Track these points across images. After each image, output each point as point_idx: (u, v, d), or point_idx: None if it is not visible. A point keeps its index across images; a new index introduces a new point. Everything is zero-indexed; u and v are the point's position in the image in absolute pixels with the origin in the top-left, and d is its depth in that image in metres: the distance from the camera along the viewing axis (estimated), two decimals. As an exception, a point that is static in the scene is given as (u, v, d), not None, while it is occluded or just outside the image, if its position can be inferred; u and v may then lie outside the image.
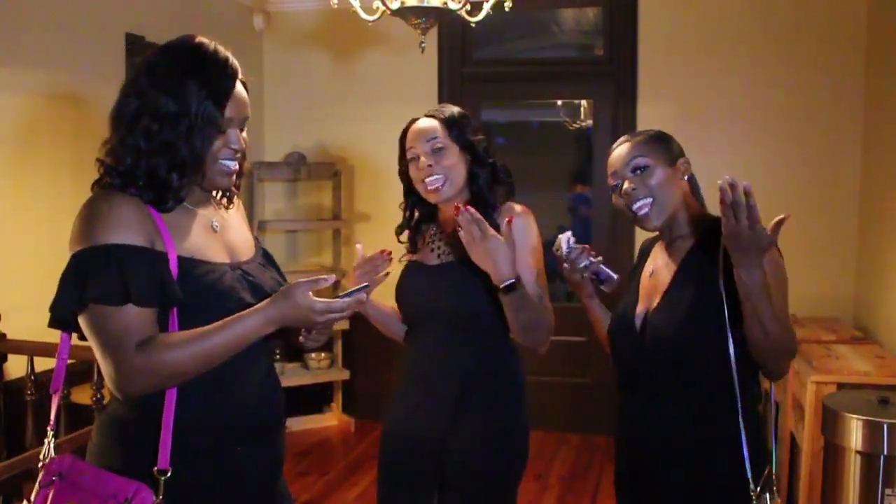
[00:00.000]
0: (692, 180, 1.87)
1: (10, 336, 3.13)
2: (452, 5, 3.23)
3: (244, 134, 1.56)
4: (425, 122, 2.08)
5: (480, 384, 2.02)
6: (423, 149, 2.04)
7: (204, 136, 1.47)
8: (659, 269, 1.87)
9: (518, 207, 2.05)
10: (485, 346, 2.03)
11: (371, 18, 3.35)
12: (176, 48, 1.53)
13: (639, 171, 1.80)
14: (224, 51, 1.54)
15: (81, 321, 1.44)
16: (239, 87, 1.54)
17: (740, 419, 1.69)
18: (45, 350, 3.04)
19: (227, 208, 1.66)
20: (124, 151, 1.47)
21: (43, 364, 3.11)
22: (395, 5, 3.20)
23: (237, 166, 1.56)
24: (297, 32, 5.06)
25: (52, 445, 1.58)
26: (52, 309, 1.44)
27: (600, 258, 1.97)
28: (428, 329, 2.07)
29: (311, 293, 1.47)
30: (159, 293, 1.43)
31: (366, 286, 1.60)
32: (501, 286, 1.86)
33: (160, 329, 1.45)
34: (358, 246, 1.67)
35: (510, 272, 1.85)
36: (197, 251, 1.52)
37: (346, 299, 1.50)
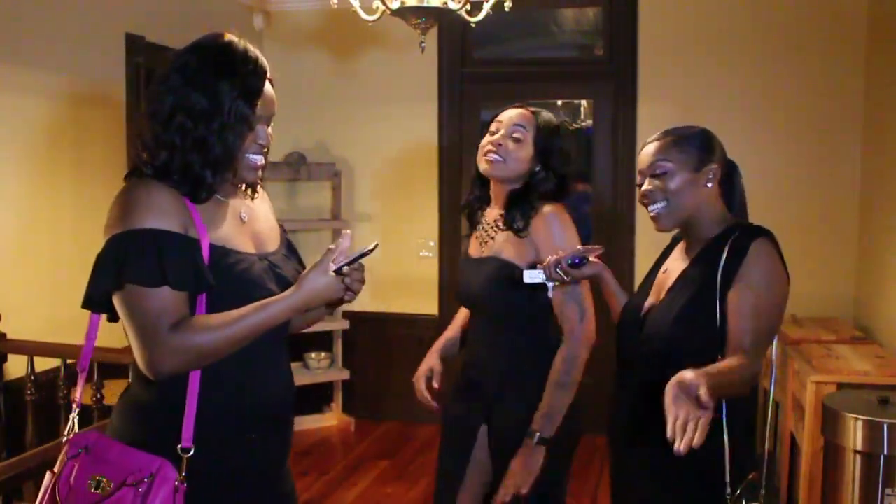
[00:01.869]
0: (725, 184, 1.88)
1: (10, 336, 3.13)
2: (452, 5, 3.23)
3: (270, 129, 1.62)
4: (519, 111, 2.19)
5: (515, 384, 2.12)
6: (506, 129, 2.15)
7: (236, 133, 1.52)
8: (672, 266, 1.90)
9: (551, 207, 2.13)
10: (519, 346, 2.14)
11: (371, 18, 3.35)
12: (208, 47, 1.56)
13: (659, 174, 1.81)
14: (254, 49, 1.58)
15: (117, 302, 1.47)
16: (267, 85, 1.59)
17: (724, 423, 1.68)
18: (45, 350, 3.04)
19: (252, 198, 1.71)
20: (159, 147, 1.51)
21: (43, 364, 3.11)
22: (395, 5, 3.20)
23: (263, 161, 1.61)
24: (297, 32, 5.06)
25: (76, 421, 1.64)
26: (89, 288, 1.48)
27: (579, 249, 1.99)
28: (474, 321, 2.28)
29: (326, 270, 1.54)
30: (193, 278, 1.47)
31: (376, 245, 1.61)
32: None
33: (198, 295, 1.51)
34: (346, 233, 1.68)
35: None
36: (227, 240, 1.57)
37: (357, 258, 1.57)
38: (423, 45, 3.37)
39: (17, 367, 3.16)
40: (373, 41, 4.79)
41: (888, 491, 2.47)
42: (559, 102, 5.14)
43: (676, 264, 1.89)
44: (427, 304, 4.81)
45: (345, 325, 4.78)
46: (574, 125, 5.14)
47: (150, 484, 1.45)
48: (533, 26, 5.04)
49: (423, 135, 4.84)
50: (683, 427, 1.33)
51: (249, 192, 1.72)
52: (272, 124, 1.62)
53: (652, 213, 1.83)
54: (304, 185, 5.12)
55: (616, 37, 4.64)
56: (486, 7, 3.38)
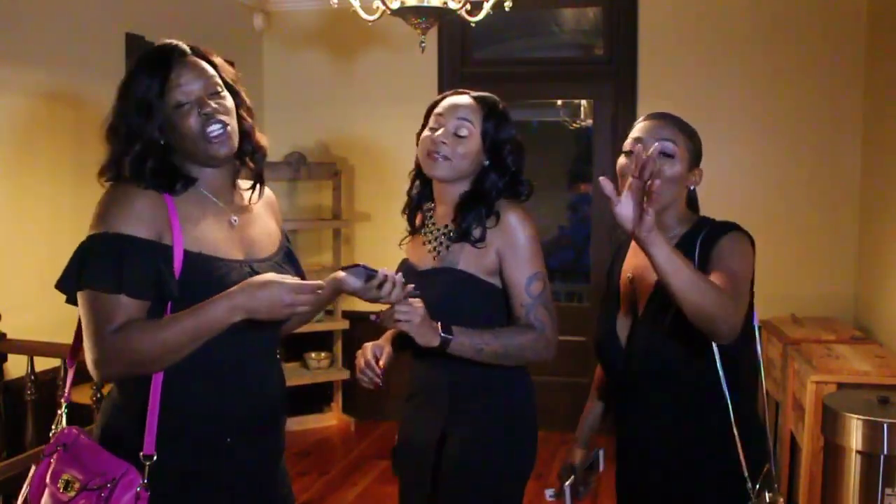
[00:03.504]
0: (692, 192, 1.83)
1: (10, 336, 3.13)
2: (452, 5, 3.23)
3: (225, 101, 1.60)
4: (464, 100, 1.96)
5: (471, 398, 1.93)
6: (449, 125, 1.92)
7: (162, 116, 1.55)
8: (640, 271, 1.81)
9: (510, 209, 1.91)
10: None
11: (371, 18, 3.35)
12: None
13: (662, 155, 1.73)
14: (166, 41, 1.61)
15: (78, 300, 1.52)
16: (181, 61, 1.58)
17: (731, 416, 1.68)
18: (45, 350, 3.04)
19: (251, 201, 1.71)
20: (120, 157, 1.57)
21: (43, 364, 3.11)
22: (395, 5, 3.20)
23: (221, 129, 1.57)
24: (297, 32, 5.06)
25: (64, 416, 1.67)
26: (57, 286, 1.53)
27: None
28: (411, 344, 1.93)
29: (279, 283, 1.49)
30: (153, 287, 1.49)
31: (363, 268, 1.63)
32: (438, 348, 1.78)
33: (164, 302, 1.52)
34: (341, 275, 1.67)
35: (435, 336, 1.77)
36: (207, 246, 1.56)
37: (317, 282, 1.54)
38: (423, 45, 3.37)
39: (17, 367, 3.16)
40: (373, 41, 4.79)
41: (888, 491, 2.47)
42: (559, 102, 5.14)
43: (644, 268, 1.77)
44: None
45: (345, 325, 4.78)
46: (574, 125, 5.15)
47: (111, 489, 1.46)
48: (533, 26, 5.04)
49: (423, 135, 4.83)
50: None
51: (251, 193, 1.72)
52: (226, 95, 1.61)
53: None
54: (304, 185, 5.12)
55: (616, 37, 4.63)
56: (486, 7, 3.38)
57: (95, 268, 1.47)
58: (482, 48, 4.96)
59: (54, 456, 1.56)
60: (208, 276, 1.53)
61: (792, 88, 4.33)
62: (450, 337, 1.79)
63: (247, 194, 1.73)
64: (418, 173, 2.04)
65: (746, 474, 1.69)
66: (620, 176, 1.77)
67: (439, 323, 1.79)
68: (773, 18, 4.35)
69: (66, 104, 3.52)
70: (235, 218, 1.65)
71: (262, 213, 1.74)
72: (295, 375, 4.61)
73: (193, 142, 1.56)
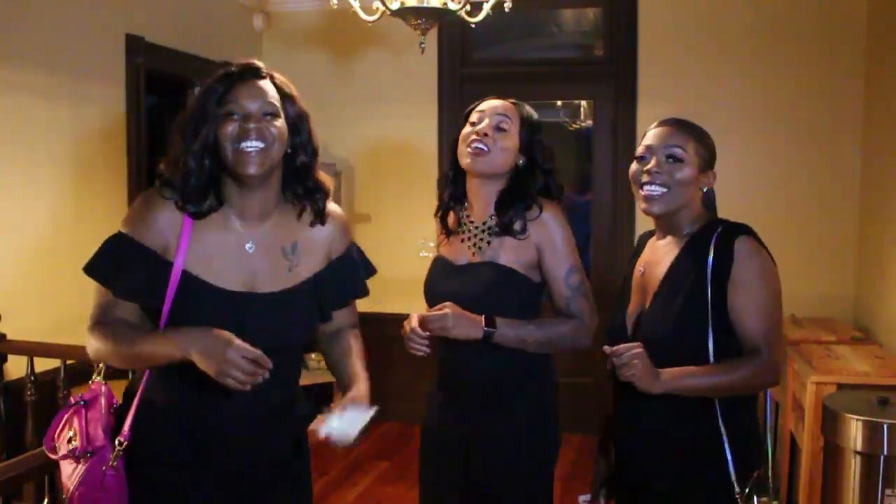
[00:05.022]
0: (709, 193, 1.85)
1: (10, 336, 3.13)
2: (452, 6, 3.23)
3: (274, 125, 1.60)
4: (504, 102, 2.07)
5: (505, 388, 2.02)
6: (491, 120, 2.02)
7: (205, 129, 1.59)
8: (651, 266, 1.85)
9: (548, 206, 2.03)
10: (510, 349, 1.98)
11: (371, 19, 3.35)
12: None
13: (671, 160, 1.77)
14: (232, 62, 1.65)
15: None
16: (250, 80, 1.61)
17: (720, 423, 1.70)
18: (45, 350, 3.04)
19: (313, 223, 1.71)
20: (171, 163, 1.63)
21: (43, 364, 3.10)
22: (394, 6, 3.20)
23: (254, 148, 1.57)
24: (297, 32, 5.06)
25: (103, 368, 1.76)
26: (84, 268, 1.63)
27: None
28: None
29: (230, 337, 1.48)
30: (142, 294, 1.59)
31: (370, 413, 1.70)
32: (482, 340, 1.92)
33: (152, 313, 1.61)
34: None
35: (477, 329, 1.91)
36: (207, 270, 1.60)
37: (266, 362, 1.48)
38: (422, 45, 3.38)
39: (17, 367, 3.15)
40: (373, 42, 4.79)
41: (888, 491, 2.47)
42: (559, 103, 5.14)
43: (654, 263, 1.84)
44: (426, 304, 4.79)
45: (345, 325, 4.77)
46: (574, 125, 5.15)
47: (90, 458, 1.61)
48: (533, 26, 5.04)
49: (423, 135, 4.84)
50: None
51: (308, 213, 1.70)
52: (278, 120, 1.62)
53: (648, 193, 1.78)
54: None
55: (616, 37, 4.64)
56: (486, 7, 3.38)
57: (100, 260, 1.59)
58: (482, 49, 4.96)
59: (73, 409, 1.70)
60: (197, 299, 1.58)
61: (792, 88, 4.33)
62: (493, 330, 1.91)
63: (303, 228, 1.71)
64: (452, 177, 2.13)
65: (734, 478, 1.69)
66: (633, 182, 1.83)
67: (483, 316, 1.91)
68: (773, 19, 4.35)
69: (66, 104, 3.52)
70: (252, 245, 1.64)
71: (310, 248, 1.71)
72: (295, 376, 4.60)
73: (226, 151, 1.57)
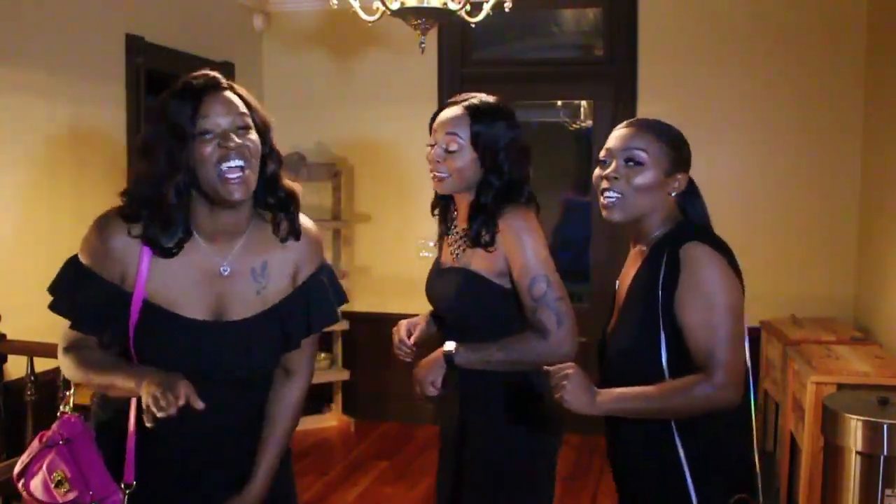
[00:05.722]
0: (687, 196, 1.74)
1: (10, 336, 3.13)
2: (452, 6, 3.23)
3: (250, 139, 1.53)
4: (451, 113, 2.00)
5: (481, 393, 1.98)
6: (441, 141, 2.00)
7: (174, 149, 1.49)
8: (623, 277, 1.80)
9: (511, 214, 1.94)
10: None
11: (371, 19, 3.35)
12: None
13: (631, 164, 1.67)
14: (195, 75, 1.56)
15: None
16: (214, 93, 1.52)
17: (679, 448, 1.62)
18: (45, 350, 3.03)
19: (283, 238, 1.61)
20: (137, 192, 1.55)
21: (43, 364, 3.10)
22: (394, 6, 3.20)
23: (238, 173, 1.49)
24: (297, 32, 5.06)
25: (72, 397, 1.66)
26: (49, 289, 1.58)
27: None
28: (442, 329, 2.12)
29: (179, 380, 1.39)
30: (102, 328, 1.53)
31: None
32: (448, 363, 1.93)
33: (119, 342, 1.53)
34: None
35: (438, 357, 1.93)
36: (167, 300, 1.53)
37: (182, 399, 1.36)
38: (422, 45, 3.37)
39: (17, 367, 3.16)
40: (373, 41, 4.79)
41: (888, 491, 2.47)
42: (559, 103, 5.14)
43: (626, 275, 1.77)
44: (427, 304, 4.77)
45: (345, 325, 4.78)
46: (574, 125, 5.15)
47: None
48: (533, 26, 5.04)
49: (423, 135, 4.80)
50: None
51: (284, 228, 1.62)
52: (250, 132, 1.54)
53: (605, 202, 1.69)
54: (303, 185, 5.00)
55: (616, 37, 4.63)
56: (486, 7, 3.38)
57: (58, 289, 1.54)
58: (482, 49, 4.96)
59: (54, 450, 1.56)
60: (160, 329, 1.52)
61: (792, 89, 4.33)
62: (452, 354, 1.91)
63: (274, 245, 1.62)
64: None
65: (695, 501, 1.61)
66: (595, 188, 1.75)
67: (446, 343, 1.94)
68: (773, 19, 4.35)
69: (66, 104, 3.52)
70: (227, 268, 1.57)
71: (280, 267, 1.63)
72: (295, 376, 4.60)
73: (207, 174, 1.48)
